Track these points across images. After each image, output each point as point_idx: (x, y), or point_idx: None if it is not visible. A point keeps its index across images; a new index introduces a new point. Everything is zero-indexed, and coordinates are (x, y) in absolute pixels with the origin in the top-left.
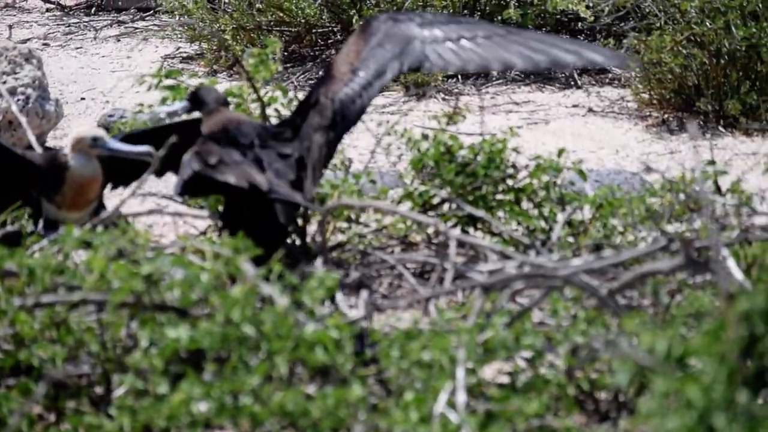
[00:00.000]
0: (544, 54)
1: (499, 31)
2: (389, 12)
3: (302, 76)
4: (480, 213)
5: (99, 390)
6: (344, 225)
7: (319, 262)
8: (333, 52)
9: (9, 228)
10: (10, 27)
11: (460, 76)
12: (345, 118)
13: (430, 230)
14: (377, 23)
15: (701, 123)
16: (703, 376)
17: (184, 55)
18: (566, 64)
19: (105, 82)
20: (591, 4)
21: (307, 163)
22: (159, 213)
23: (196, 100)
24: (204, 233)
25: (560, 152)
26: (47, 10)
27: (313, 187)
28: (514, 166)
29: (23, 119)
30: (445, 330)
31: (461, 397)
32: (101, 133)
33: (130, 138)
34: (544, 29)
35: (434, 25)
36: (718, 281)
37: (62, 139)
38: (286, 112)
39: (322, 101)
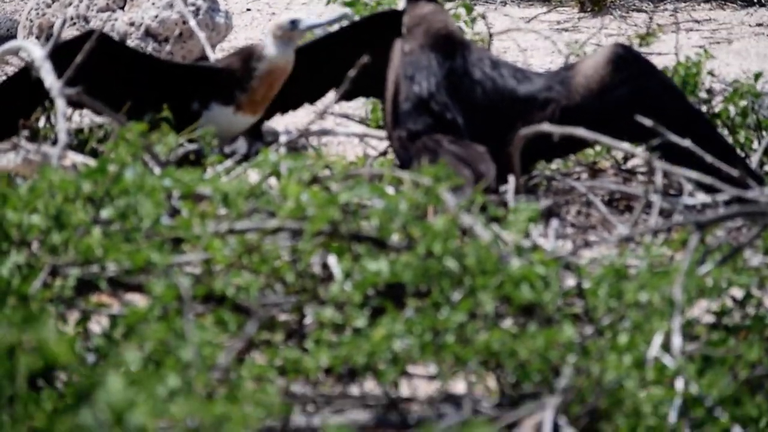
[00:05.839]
0: None
1: None
2: None
3: None
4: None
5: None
6: None
7: (512, 191)
8: None
9: (189, 146)
10: None
11: None
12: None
13: (619, 156)
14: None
15: None
16: None
17: None
18: None
19: None
20: None
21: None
22: (335, 134)
23: None
24: (384, 154)
25: (757, 76)
26: None
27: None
28: (709, 90)
29: (200, 33)
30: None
31: (677, 341)
32: (297, 15)
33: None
34: None
35: None
36: None
37: (230, 51)
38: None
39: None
